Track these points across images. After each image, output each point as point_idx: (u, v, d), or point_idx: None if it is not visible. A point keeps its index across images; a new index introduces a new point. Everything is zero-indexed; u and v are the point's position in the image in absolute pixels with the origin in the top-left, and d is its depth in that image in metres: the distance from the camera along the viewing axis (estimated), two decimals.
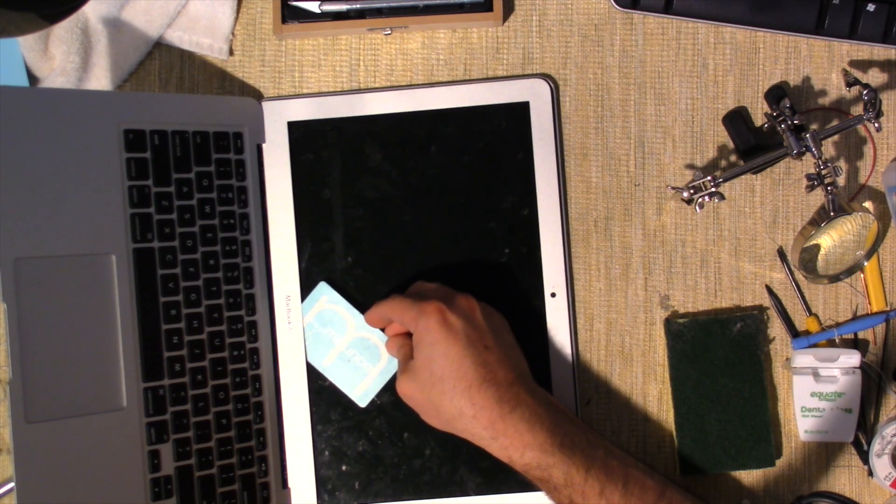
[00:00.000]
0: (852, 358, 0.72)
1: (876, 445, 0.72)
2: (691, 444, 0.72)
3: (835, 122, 0.72)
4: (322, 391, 0.73)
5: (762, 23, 0.72)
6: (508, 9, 0.74)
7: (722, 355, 0.72)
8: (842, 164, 0.74)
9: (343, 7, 0.72)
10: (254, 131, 0.72)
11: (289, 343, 0.72)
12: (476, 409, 0.63)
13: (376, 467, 0.72)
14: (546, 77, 0.73)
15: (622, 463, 0.63)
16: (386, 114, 0.73)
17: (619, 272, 0.74)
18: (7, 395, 0.59)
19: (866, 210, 0.71)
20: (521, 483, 0.71)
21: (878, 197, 0.74)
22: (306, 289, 0.73)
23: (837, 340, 0.73)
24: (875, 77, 0.74)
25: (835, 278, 0.73)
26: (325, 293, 0.72)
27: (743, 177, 0.72)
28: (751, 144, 0.71)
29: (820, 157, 0.68)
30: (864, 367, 0.72)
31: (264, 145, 0.73)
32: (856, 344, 0.74)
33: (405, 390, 0.66)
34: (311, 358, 0.72)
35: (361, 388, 0.72)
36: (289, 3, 0.72)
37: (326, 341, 0.72)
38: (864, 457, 0.73)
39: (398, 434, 0.72)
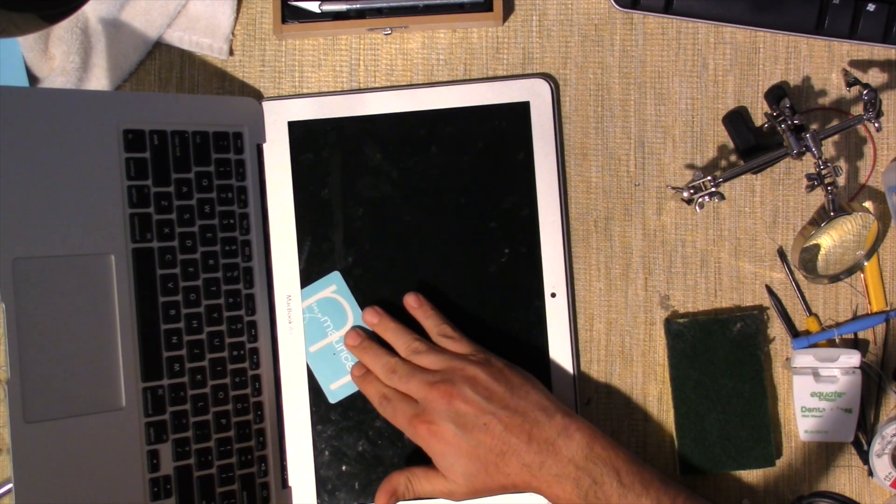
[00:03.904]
0: (852, 358, 0.72)
1: (876, 445, 0.72)
2: (691, 444, 0.72)
3: (835, 122, 0.72)
4: (323, 391, 0.73)
5: (762, 23, 0.72)
6: (508, 9, 0.74)
7: (722, 355, 0.72)
8: (842, 164, 0.74)
9: (343, 7, 0.72)
10: (254, 131, 0.72)
11: (289, 343, 0.72)
12: (512, 478, 0.65)
13: (376, 467, 0.72)
14: (546, 77, 0.73)
15: (656, 503, 0.63)
16: (386, 114, 0.73)
17: (619, 272, 0.74)
18: (6, 394, 0.59)
19: (866, 210, 0.71)
20: None
21: (878, 197, 0.74)
22: (306, 288, 0.73)
23: (837, 340, 0.73)
24: (875, 77, 0.74)
25: (835, 278, 0.73)
26: (335, 283, 0.72)
27: (743, 177, 0.72)
28: (751, 144, 0.71)
29: (820, 157, 0.68)
30: (864, 367, 0.72)
31: (264, 145, 0.73)
32: (856, 344, 0.74)
33: (447, 494, 0.67)
34: None
35: (337, 385, 0.72)
36: (289, 3, 0.72)
37: (320, 329, 0.72)
38: (864, 457, 0.73)
39: (398, 434, 0.72)
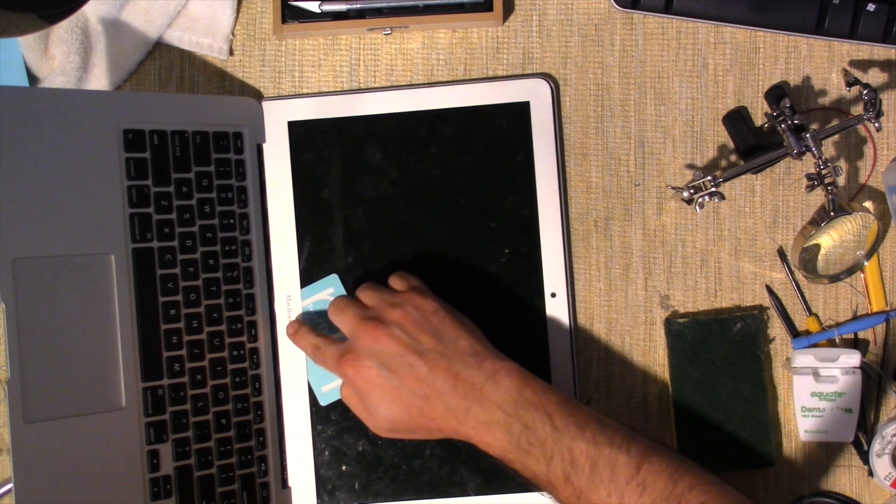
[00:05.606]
0: (852, 358, 0.72)
1: (876, 445, 0.72)
2: (691, 445, 0.72)
3: (835, 122, 0.72)
4: (314, 393, 0.73)
5: (762, 23, 0.72)
6: (508, 9, 0.74)
7: (722, 355, 0.72)
8: (842, 164, 0.74)
9: (343, 7, 0.72)
10: (254, 131, 0.72)
11: (289, 343, 0.72)
12: (438, 422, 0.63)
13: (376, 467, 0.72)
14: (546, 77, 0.73)
15: (592, 444, 0.60)
16: (386, 114, 0.73)
17: (619, 272, 0.74)
18: (6, 394, 0.59)
19: (866, 210, 0.71)
20: (521, 483, 0.71)
21: (878, 197, 0.74)
22: (306, 289, 0.73)
23: (837, 340, 0.73)
24: (875, 77, 0.74)
25: (835, 278, 0.73)
26: (332, 286, 0.72)
27: (743, 177, 0.72)
28: (751, 144, 0.71)
29: (820, 157, 0.68)
30: (864, 367, 0.72)
31: (264, 145, 0.73)
32: (856, 344, 0.74)
33: (383, 430, 0.66)
34: None
35: (328, 388, 0.72)
36: (289, 3, 0.72)
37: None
38: (864, 457, 0.73)
39: None
